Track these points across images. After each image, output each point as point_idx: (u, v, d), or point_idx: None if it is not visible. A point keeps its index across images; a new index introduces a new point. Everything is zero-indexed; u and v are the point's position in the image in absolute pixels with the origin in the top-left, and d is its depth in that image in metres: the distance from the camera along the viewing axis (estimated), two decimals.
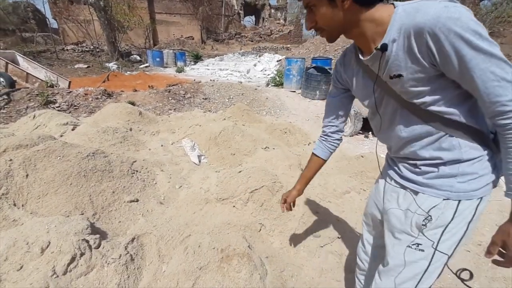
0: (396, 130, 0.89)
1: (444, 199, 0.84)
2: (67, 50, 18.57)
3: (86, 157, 2.21)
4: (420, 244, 0.89)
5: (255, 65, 14.92)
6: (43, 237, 1.42)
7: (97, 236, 1.59)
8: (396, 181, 0.98)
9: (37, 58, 15.53)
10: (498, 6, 16.45)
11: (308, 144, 4.43)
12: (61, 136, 3.33)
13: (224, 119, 4.52)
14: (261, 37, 33.54)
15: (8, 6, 24.32)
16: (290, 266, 1.67)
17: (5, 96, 5.02)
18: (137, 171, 2.45)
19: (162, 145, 3.36)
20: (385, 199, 1.02)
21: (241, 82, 9.26)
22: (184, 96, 6.19)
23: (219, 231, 1.76)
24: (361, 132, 4.98)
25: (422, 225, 0.88)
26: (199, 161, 3.10)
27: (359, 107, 4.65)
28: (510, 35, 13.10)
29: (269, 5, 37.67)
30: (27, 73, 6.68)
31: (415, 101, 0.79)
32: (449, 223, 0.85)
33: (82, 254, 1.43)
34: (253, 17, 39.85)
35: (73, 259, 1.39)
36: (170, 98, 5.98)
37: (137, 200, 2.14)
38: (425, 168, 0.88)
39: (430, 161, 0.86)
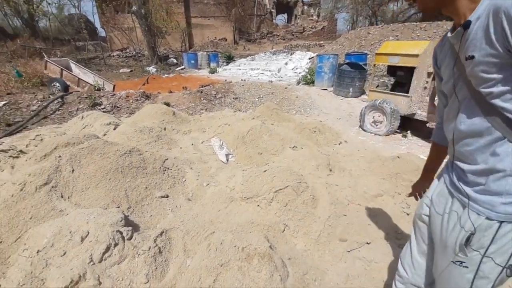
0: (457, 121, 0.84)
1: (485, 218, 0.77)
2: (113, 56, 20.31)
3: (123, 155, 2.38)
4: (464, 262, 0.83)
5: (286, 63, 14.78)
6: (83, 227, 1.57)
7: (130, 228, 1.70)
8: (447, 187, 0.93)
9: (87, 64, 17.25)
10: None
11: (339, 144, 4.26)
12: (104, 135, 3.65)
13: (253, 118, 4.55)
14: (293, 35, 33.10)
15: (64, 19, 27.34)
16: (313, 270, 1.62)
17: (59, 99, 5.65)
18: (168, 168, 2.58)
19: (192, 144, 3.49)
20: (434, 201, 0.98)
21: (271, 81, 9.24)
22: (215, 96, 6.36)
23: (242, 229, 1.78)
24: (398, 131, 4.64)
25: (466, 242, 0.81)
26: (227, 160, 3.16)
27: (396, 104, 4.34)
28: None
29: (302, 1, 37.00)
30: (78, 78, 7.44)
31: (482, 89, 0.73)
32: (489, 246, 0.77)
33: (116, 244, 1.55)
34: (285, 15, 39.48)
35: (108, 248, 1.51)
36: (202, 99, 6.20)
37: (167, 196, 2.25)
38: (472, 178, 0.81)
39: (480, 167, 0.79)
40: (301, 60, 14.67)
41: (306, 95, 6.89)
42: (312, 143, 4.07)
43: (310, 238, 1.83)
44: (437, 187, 1.00)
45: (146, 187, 2.23)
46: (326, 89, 7.53)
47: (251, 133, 3.41)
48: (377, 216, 2.21)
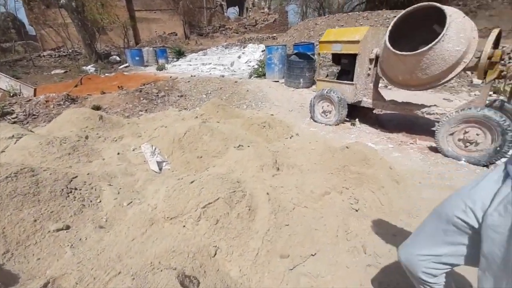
0: None
1: None
2: (43, 56, 17.78)
3: (3, 180, 1.80)
4: None
5: (239, 57, 14.39)
6: None
7: None
8: None
9: (13, 67, 14.83)
10: None
11: (291, 137, 4.05)
12: (2, 152, 2.90)
13: (196, 117, 4.11)
14: (246, 28, 32.69)
15: None
16: None
17: None
18: (75, 189, 2.05)
19: (118, 153, 2.95)
20: (494, 208, 0.76)
21: (223, 76, 8.80)
22: (158, 95, 5.74)
23: (158, 263, 1.39)
24: (347, 119, 4.61)
25: None
26: (160, 169, 2.71)
27: (343, 93, 4.27)
28: (499, 6, 12.72)
29: None
30: None
31: None
32: None
33: None
34: (237, 8, 38.84)
35: None
36: (141, 99, 5.53)
37: (68, 228, 1.75)
38: None
39: None
40: (254, 53, 14.39)
41: (258, 88, 6.62)
42: (261, 139, 3.79)
43: (246, 260, 1.52)
44: (500, 192, 0.76)
45: (36, 220, 1.70)
46: (277, 81, 7.35)
47: (189, 134, 2.99)
48: (324, 218, 1.99)
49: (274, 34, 25.45)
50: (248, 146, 3.22)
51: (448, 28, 2.89)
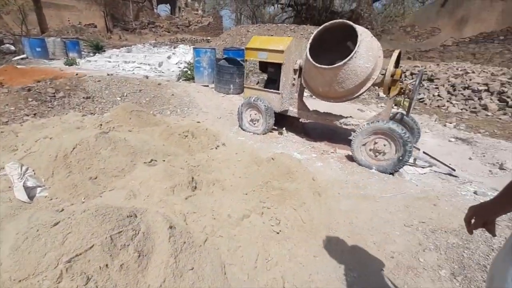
0: None
1: None
2: None
3: None
4: None
5: (169, 57, 13.42)
6: None
7: None
8: None
9: None
10: (387, 7, 19.25)
11: (216, 148, 3.75)
12: None
13: (101, 124, 3.40)
14: (178, 27, 31.22)
15: None
16: None
17: None
18: None
19: None
20: None
21: (147, 77, 7.92)
22: (54, 96, 4.66)
23: None
24: (275, 128, 4.59)
25: None
26: (31, 196, 2.02)
27: (269, 101, 4.21)
28: (397, 32, 15.36)
29: None
30: None
31: None
32: None
33: None
34: (168, 6, 36.82)
35: None
36: (30, 99, 4.38)
37: None
38: None
39: None
40: (185, 54, 13.64)
41: (185, 92, 6.11)
42: (182, 150, 3.37)
43: None
44: None
45: None
46: (207, 86, 6.98)
47: (80, 149, 2.36)
48: (242, 247, 1.74)
49: (208, 37, 25.01)
50: (164, 161, 2.77)
51: (359, 45, 3.07)
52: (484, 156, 4.39)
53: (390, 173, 3.16)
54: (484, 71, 8.42)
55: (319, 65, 3.26)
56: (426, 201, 2.65)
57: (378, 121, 3.17)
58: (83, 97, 4.85)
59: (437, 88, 8.18)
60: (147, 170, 2.35)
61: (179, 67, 11.69)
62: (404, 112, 3.94)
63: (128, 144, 2.71)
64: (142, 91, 5.45)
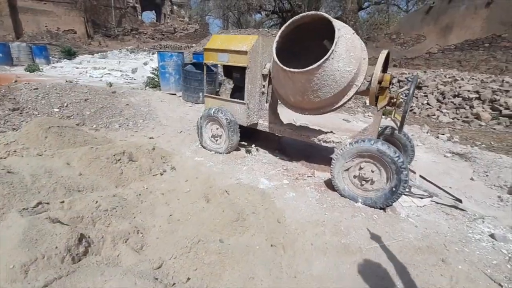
0: None
1: None
2: None
3: None
4: None
5: (145, 63, 12.60)
6: None
7: None
8: None
9: None
10: (372, 15, 19.20)
11: (161, 174, 2.93)
12: None
13: (6, 144, 2.53)
14: (163, 34, 30.43)
15: None
16: None
17: None
18: None
19: None
20: None
21: (110, 84, 7.05)
22: None
23: None
24: (245, 144, 3.82)
25: None
26: None
27: (234, 113, 3.45)
28: (383, 40, 15.08)
29: (170, 1, 34.82)
30: None
31: None
32: None
33: None
34: (154, 13, 36.08)
35: None
36: None
37: None
38: None
39: None
40: None
41: (144, 101, 5.29)
42: (108, 180, 2.53)
43: None
44: None
45: None
46: (174, 94, 6.18)
47: None
48: None
49: (193, 44, 24.33)
50: (63, 202, 1.93)
51: (337, 43, 2.37)
52: (487, 175, 3.75)
53: (381, 208, 2.43)
54: (473, 78, 7.99)
55: (287, 68, 2.53)
56: (430, 254, 1.91)
57: (364, 140, 2.44)
58: (9, 109, 3.95)
59: (426, 96, 7.67)
60: (12, 225, 1.50)
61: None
62: (395, 126, 3.26)
63: (9, 180, 1.86)
64: (89, 101, 4.59)
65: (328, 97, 2.64)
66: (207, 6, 23.44)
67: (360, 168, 2.49)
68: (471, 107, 6.77)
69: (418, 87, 8.05)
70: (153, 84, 6.81)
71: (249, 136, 4.11)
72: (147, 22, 33.42)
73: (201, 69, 5.57)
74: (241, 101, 3.39)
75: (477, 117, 6.44)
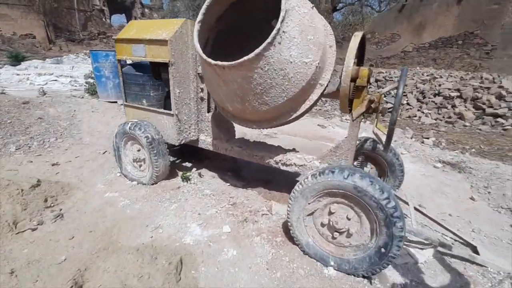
0: None
1: None
2: None
3: None
4: None
5: None
6: None
7: None
8: None
9: None
10: (347, 17, 18.98)
11: (34, 229, 1.89)
12: None
13: None
14: None
15: None
16: None
17: None
18: None
19: None
20: None
21: (44, 92, 5.84)
22: None
23: None
24: (189, 165, 2.85)
25: None
26: None
27: (161, 127, 2.49)
28: None
29: (141, 3, 33.31)
30: None
31: None
32: None
33: None
34: (124, 16, 34.29)
35: None
36: None
37: None
38: None
39: None
40: None
41: (69, 113, 4.18)
42: None
43: None
44: None
45: None
46: (115, 102, 5.09)
47: None
48: None
49: None
50: None
51: (285, 20, 1.48)
52: (489, 192, 3.03)
53: (365, 277, 1.54)
54: (451, 76, 7.54)
55: (212, 61, 1.61)
56: None
57: (333, 171, 1.55)
58: None
59: (406, 95, 7.08)
60: None
61: None
62: (379, 141, 2.41)
63: None
64: None
65: (279, 104, 1.75)
66: (176, 8, 22.30)
67: (330, 213, 1.60)
68: (453, 106, 6.22)
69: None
70: (92, 90, 5.68)
71: (195, 154, 3.16)
72: (116, 25, 31.59)
73: (142, 70, 4.54)
74: (169, 111, 2.43)
75: (461, 116, 5.88)
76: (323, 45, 1.75)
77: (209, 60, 1.64)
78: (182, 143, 2.52)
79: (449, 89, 6.65)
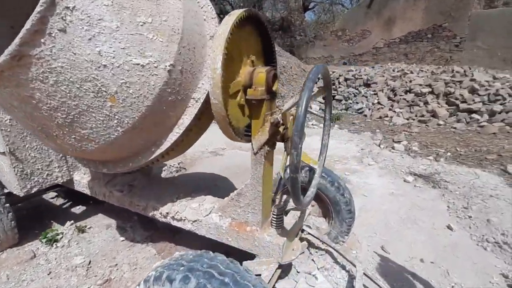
0: None
1: None
2: None
3: None
4: None
5: None
6: None
7: None
8: None
9: None
10: (319, 16, 18.67)
11: None
12: None
13: None
14: None
15: None
16: None
17: None
18: None
19: None
20: None
21: None
22: None
23: None
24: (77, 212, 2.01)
25: None
26: None
27: None
28: (329, 38, 14.27)
29: None
30: None
31: None
32: None
33: None
34: None
35: None
36: None
37: None
38: None
39: None
40: None
41: None
42: None
43: None
44: None
45: None
46: None
47: None
48: None
49: None
50: None
51: None
52: (470, 216, 2.41)
53: None
54: (422, 70, 7.10)
55: None
56: None
57: (174, 278, 0.79)
58: None
59: (376, 94, 6.55)
60: None
61: None
62: (315, 164, 1.67)
63: None
64: None
65: (116, 137, 0.99)
66: None
67: None
68: (426, 103, 5.71)
69: (367, 85, 6.93)
70: None
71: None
72: None
73: None
74: None
75: (434, 114, 5.36)
76: (188, 35, 1.01)
77: None
78: (34, 191, 1.69)
79: (420, 84, 6.16)
